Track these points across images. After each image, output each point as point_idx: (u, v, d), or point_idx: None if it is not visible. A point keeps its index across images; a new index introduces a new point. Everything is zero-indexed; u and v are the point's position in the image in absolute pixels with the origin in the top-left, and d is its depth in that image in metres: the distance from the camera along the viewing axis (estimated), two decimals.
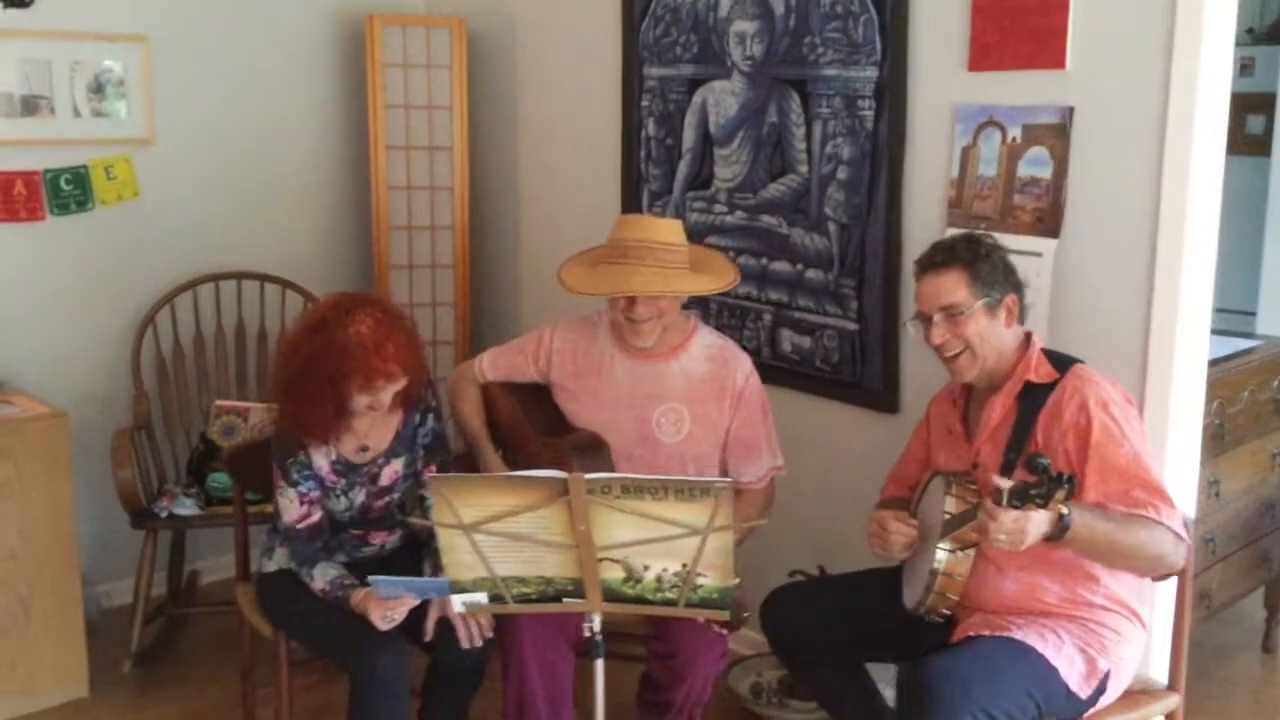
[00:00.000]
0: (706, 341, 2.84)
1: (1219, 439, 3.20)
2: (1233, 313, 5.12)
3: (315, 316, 2.65)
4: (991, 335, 2.41)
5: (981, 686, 2.18)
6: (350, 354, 2.52)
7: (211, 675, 3.47)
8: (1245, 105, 5.40)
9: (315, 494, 2.68)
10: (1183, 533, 2.31)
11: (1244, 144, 5.34)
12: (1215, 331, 3.67)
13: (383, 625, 2.51)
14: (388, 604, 2.50)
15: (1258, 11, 5.60)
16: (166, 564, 3.76)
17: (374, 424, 2.72)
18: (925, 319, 2.44)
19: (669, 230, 2.73)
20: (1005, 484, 2.12)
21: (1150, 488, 2.29)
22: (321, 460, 2.68)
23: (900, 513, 2.50)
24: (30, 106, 3.63)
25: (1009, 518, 2.11)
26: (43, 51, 3.61)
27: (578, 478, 1.94)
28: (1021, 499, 2.09)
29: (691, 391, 2.77)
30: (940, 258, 2.43)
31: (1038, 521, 2.12)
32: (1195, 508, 2.90)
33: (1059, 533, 2.15)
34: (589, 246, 2.91)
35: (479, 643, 2.57)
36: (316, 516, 2.69)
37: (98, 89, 3.73)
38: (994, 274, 2.41)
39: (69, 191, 3.72)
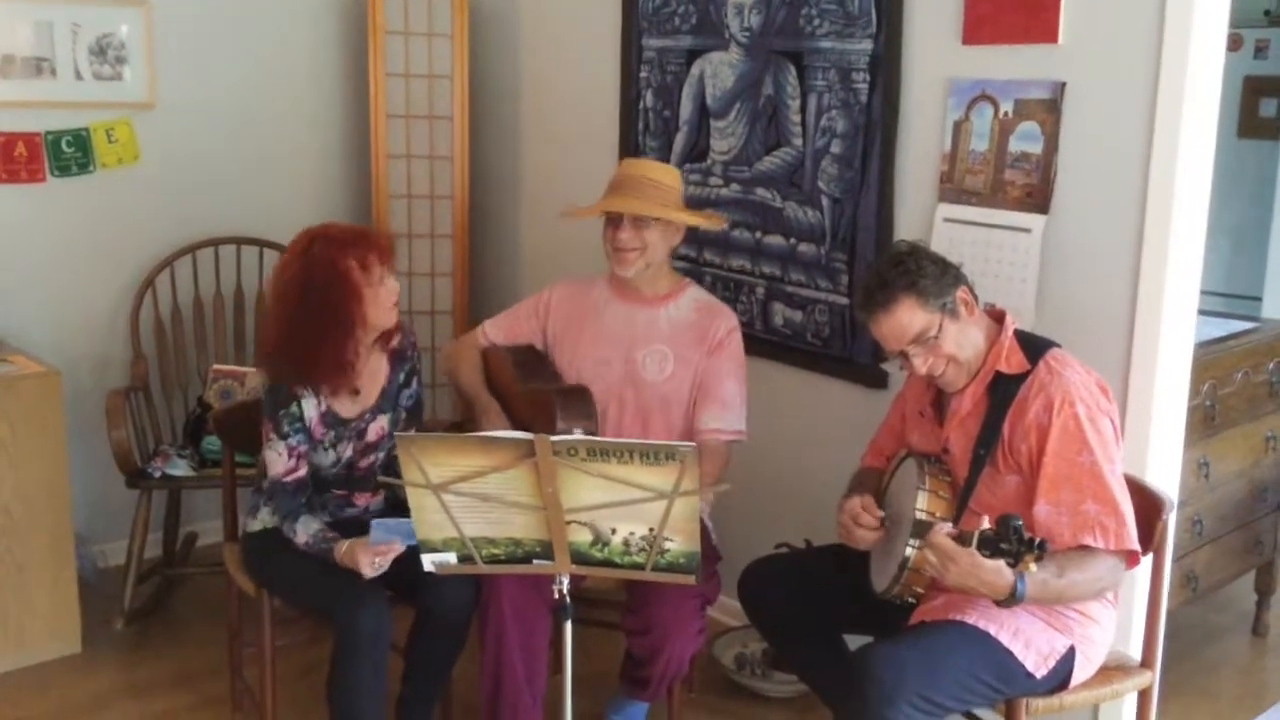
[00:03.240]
0: (697, 296, 2.96)
1: (1210, 420, 3.18)
2: (1239, 297, 5.09)
3: (301, 239, 2.67)
4: (964, 337, 2.37)
5: (921, 674, 2.18)
6: (359, 236, 2.66)
7: (203, 634, 3.51)
8: (1258, 88, 5.34)
9: (304, 447, 2.71)
10: (1135, 548, 2.28)
11: (1256, 127, 5.29)
12: (1213, 313, 3.67)
13: (369, 572, 2.52)
14: (376, 550, 2.51)
15: None
16: (162, 525, 3.80)
17: (369, 369, 2.76)
18: (900, 354, 2.39)
19: (664, 171, 2.90)
20: (982, 526, 2.10)
21: (1104, 500, 2.26)
22: (312, 412, 2.71)
23: (869, 500, 2.49)
24: (32, 68, 3.65)
25: (944, 551, 2.12)
26: (45, 13, 3.63)
27: (543, 439, 1.95)
28: (990, 550, 2.08)
29: (676, 336, 2.88)
30: (881, 296, 2.34)
31: (980, 570, 2.10)
32: (1181, 489, 2.89)
33: (1008, 601, 2.14)
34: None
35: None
36: (303, 471, 2.72)
37: (99, 52, 3.75)
38: (936, 281, 2.34)
39: (70, 154, 3.75)
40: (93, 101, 3.75)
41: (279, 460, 2.69)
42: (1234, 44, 5.44)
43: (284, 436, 2.69)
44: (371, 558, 2.51)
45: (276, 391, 2.69)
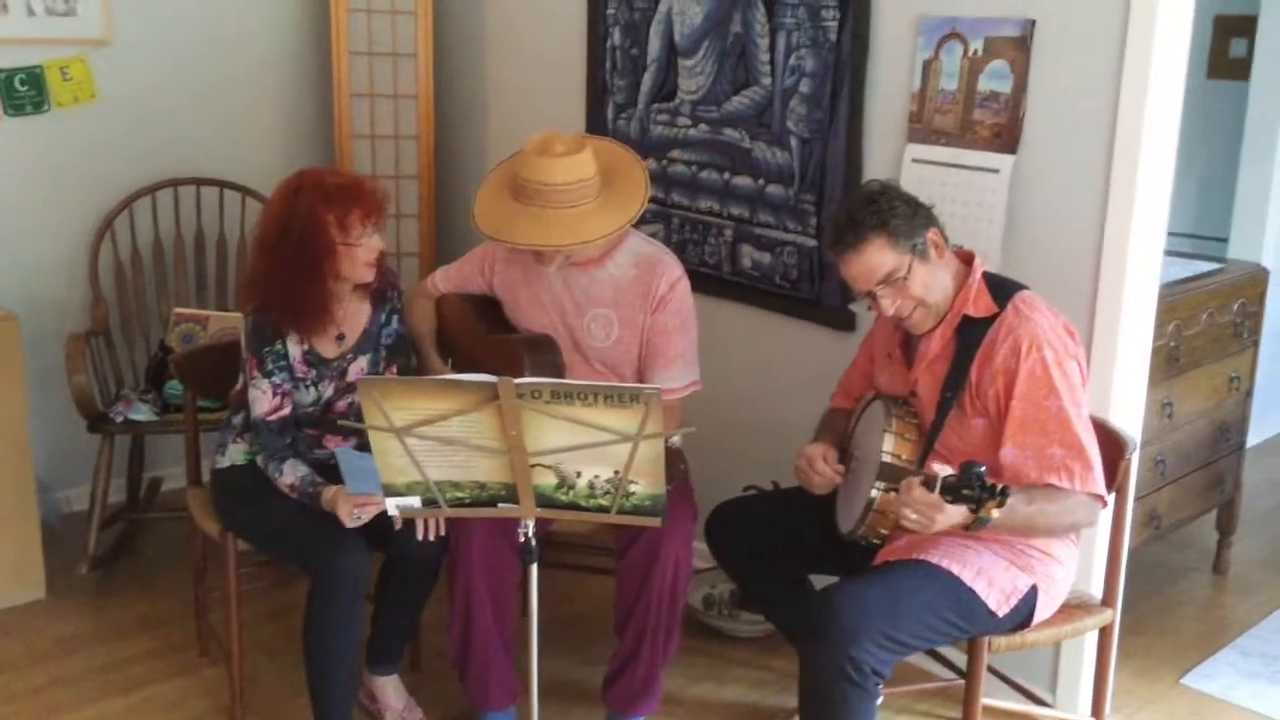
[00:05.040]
0: (636, 248, 2.79)
1: (1174, 361, 3.20)
2: (1206, 238, 5.10)
3: (293, 181, 2.64)
4: (932, 279, 2.35)
5: (884, 612, 2.20)
6: (344, 192, 2.59)
7: (168, 579, 3.49)
8: (1229, 28, 5.32)
9: (288, 385, 2.69)
10: (1101, 491, 2.30)
11: (1226, 68, 5.27)
12: (1179, 254, 3.68)
13: (350, 523, 2.50)
14: (357, 502, 2.49)
15: None
16: (126, 470, 3.76)
17: (349, 313, 2.74)
18: (868, 295, 2.38)
19: (569, 169, 2.60)
20: (943, 472, 2.10)
21: (1070, 445, 2.26)
22: (295, 350, 2.68)
23: (829, 451, 2.50)
24: None
25: (926, 502, 2.12)
26: None
27: (507, 381, 1.93)
28: (952, 495, 2.08)
29: (619, 297, 2.76)
30: (851, 235, 2.32)
31: (950, 515, 2.12)
32: (1145, 429, 2.91)
33: (976, 526, 2.14)
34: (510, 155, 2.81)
35: (431, 537, 2.59)
36: (287, 410, 2.69)
37: None
38: (907, 221, 2.32)
39: (24, 92, 3.66)
40: (46, 38, 3.65)
41: (263, 399, 2.66)
42: None
43: (268, 375, 2.66)
44: (351, 508, 2.49)
45: (261, 329, 2.67)
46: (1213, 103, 5.14)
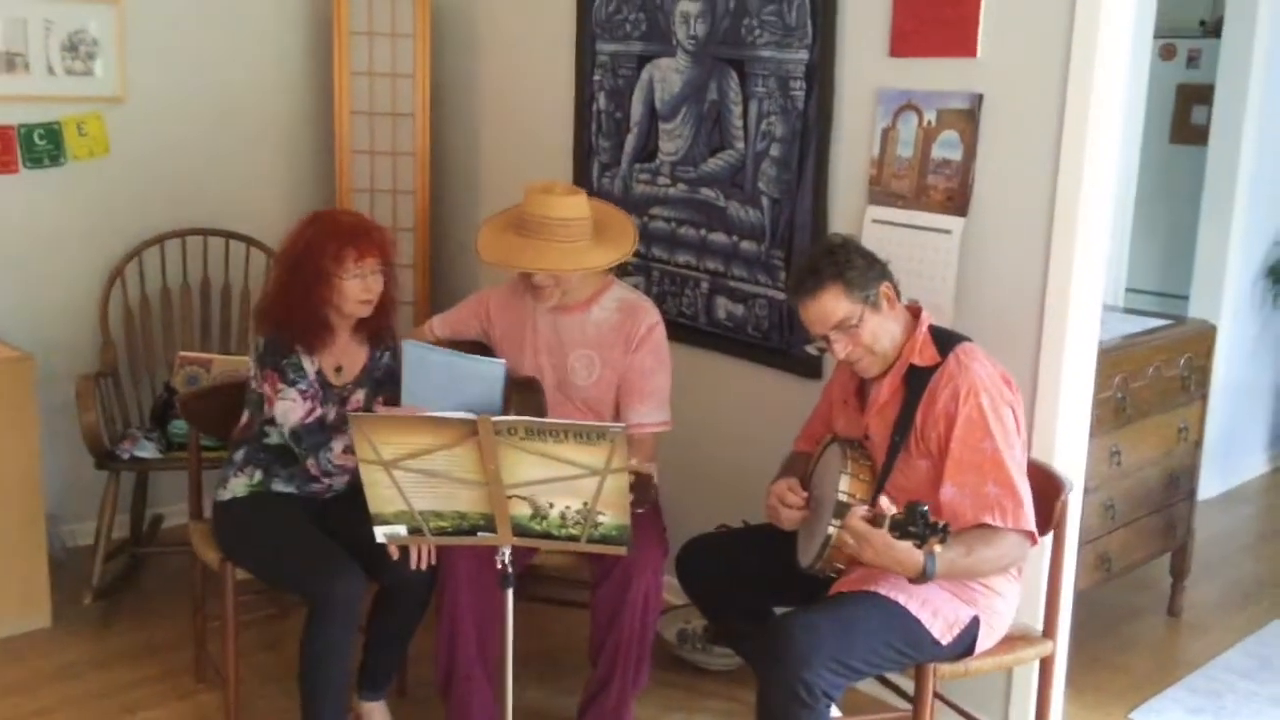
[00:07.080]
0: (619, 295, 3.04)
1: (1121, 411, 3.39)
2: (1169, 296, 5.31)
3: (310, 215, 2.95)
4: (882, 329, 2.55)
5: (835, 639, 2.38)
6: (347, 230, 2.87)
7: (169, 610, 3.65)
8: (1191, 96, 5.58)
9: (312, 390, 2.89)
10: (1031, 528, 2.48)
11: (1188, 134, 5.52)
12: (1138, 312, 3.88)
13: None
14: (405, 411, 2.67)
15: (1210, 5, 5.75)
16: (129, 506, 3.93)
17: (347, 349, 2.97)
18: (823, 338, 2.58)
19: (569, 206, 2.89)
20: (890, 510, 2.28)
21: (1003, 483, 2.45)
22: (309, 366, 2.90)
23: (794, 482, 2.68)
24: (6, 63, 3.78)
25: (859, 532, 2.31)
26: (18, 10, 3.76)
27: (485, 419, 2.12)
28: (900, 532, 2.26)
29: (602, 338, 2.98)
30: (810, 282, 2.53)
31: (895, 550, 2.29)
32: (1093, 475, 3.10)
33: (920, 579, 2.34)
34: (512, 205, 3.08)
35: (424, 566, 2.77)
36: (319, 410, 2.90)
37: (72, 48, 3.87)
38: (863, 274, 2.53)
39: (42, 146, 3.88)
40: (65, 95, 3.88)
41: (295, 407, 2.87)
42: (1168, 53, 5.67)
43: (292, 383, 2.87)
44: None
45: (276, 344, 2.89)
46: (1176, 166, 5.39)
